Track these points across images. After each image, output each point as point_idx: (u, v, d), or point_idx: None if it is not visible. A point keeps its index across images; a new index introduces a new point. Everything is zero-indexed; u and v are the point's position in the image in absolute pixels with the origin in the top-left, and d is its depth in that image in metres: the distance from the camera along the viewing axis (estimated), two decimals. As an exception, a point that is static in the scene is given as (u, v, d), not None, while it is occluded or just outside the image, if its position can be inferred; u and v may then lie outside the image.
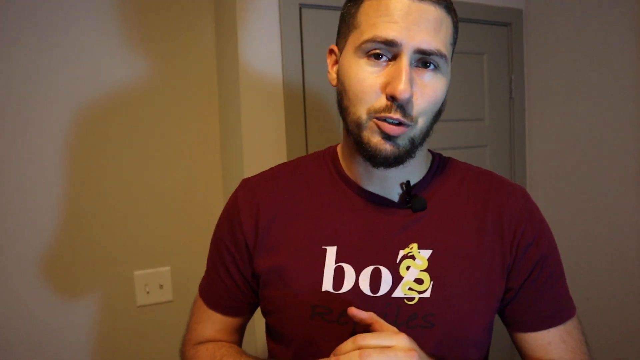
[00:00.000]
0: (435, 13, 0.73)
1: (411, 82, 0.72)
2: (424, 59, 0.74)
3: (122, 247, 1.64)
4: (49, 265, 1.55)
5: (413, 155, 0.78)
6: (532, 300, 0.84)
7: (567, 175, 1.97)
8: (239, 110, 1.56)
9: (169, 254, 1.69)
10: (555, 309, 0.85)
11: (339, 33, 0.83)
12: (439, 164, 0.90)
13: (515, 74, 2.09)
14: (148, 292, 1.67)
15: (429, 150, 0.91)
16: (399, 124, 0.73)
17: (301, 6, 1.60)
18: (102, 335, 1.62)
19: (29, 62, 1.50)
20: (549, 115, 2.04)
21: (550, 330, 0.84)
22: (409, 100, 0.73)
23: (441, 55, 0.74)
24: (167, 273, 1.69)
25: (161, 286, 1.67)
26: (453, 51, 0.82)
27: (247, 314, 0.96)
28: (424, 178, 0.87)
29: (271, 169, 0.96)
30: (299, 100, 1.60)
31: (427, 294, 0.79)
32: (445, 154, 2.13)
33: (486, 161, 2.06)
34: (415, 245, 0.81)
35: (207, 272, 0.96)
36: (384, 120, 0.73)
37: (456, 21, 0.79)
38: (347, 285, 0.80)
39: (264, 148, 1.56)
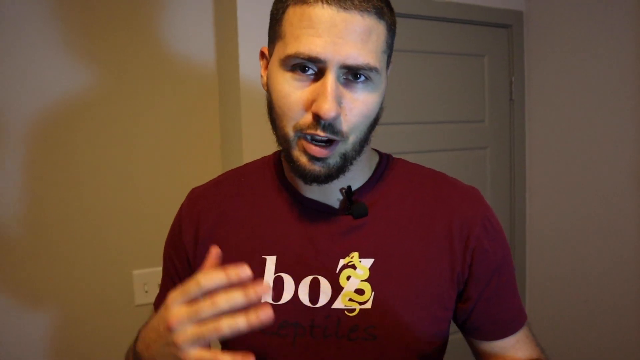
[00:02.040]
0: (363, 23, 0.67)
1: (338, 99, 0.67)
2: (351, 74, 0.69)
3: (121, 246, 1.64)
4: (47, 266, 1.55)
5: (347, 169, 0.74)
6: (492, 309, 0.81)
7: (567, 177, 1.97)
8: (239, 113, 1.56)
9: (167, 254, 1.68)
10: (512, 316, 0.83)
11: (269, 34, 0.77)
12: (385, 167, 0.85)
13: (515, 76, 2.09)
14: (147, 292, 1.66)
15: (377, 151, 0.87)
16: (328, 141, 0.70)
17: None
18: (101, 335, 1.62)
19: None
20: (549, 117, 2.04)
21: (508, 338, 0.82)
22: (337, 117, 0.68)
23: (370, 68, 0.68)
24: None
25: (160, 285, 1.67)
26: (390, 55, 0.76)
27: None
28: (366, 182, 0.82)
29: (218, 176, 0.92)
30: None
31: (368, 305, 0.75)
32: (446, 155, 2.14)
33: (486, 163, 2.06)
34: (356, 254, 0.78)
35: (160, 286, 0.94)
36: (311, 139, 0.69)
37: (391, 22, 0.73)
38: (287, 296, 0.77)
39: (264, 149, 1.55)
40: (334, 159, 0.71)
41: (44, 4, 1.50)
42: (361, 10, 0.67)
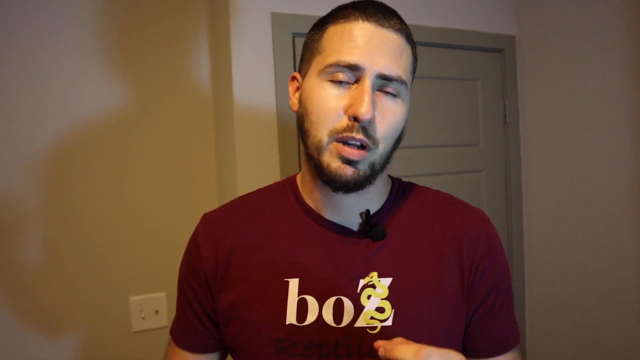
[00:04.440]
0: (397, 41, 0.75)
1: (373, 104, 0.73)
2: (385, 86, 0.75)
3: (118, 272, 1.63)
4: (44, 291, 1.54)
5: (373, 181, 0.78)
6: (486, 326, 0.84)
7: (563, 198, 1.98)
8: (233, 139, 1.57)
9: (164, 280, 1.67)
10: (506, 335, 0.85)
11: (301, 60, 0.84)
12: (398, 190, 0.90)
13: (509, 99, 2.11)
14: (143, 318, 1.65)
15: (388, 175, 0.91)
16: (361, 146, 0.74)
17: (294, 35, 1.63)
18: (97, 363, 1.60)
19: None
20: (543, 139, 2.06)
21: (500, 356, 0.84)
22: (371, 122, 0.73)
23: (402, 81, 0.75)
24: (163, 298, 1.68)
25: (157, 312, 1.66)
26: (412, 80, 0.82)
27: (219, 350, 0.93)
28: (383, 205, 0.86)
29: (231, 201, 0.94)
30: (293, 128, 1.61)
31: (389, 322, 0.78)
32: (441, 179, 2.15)
33: (482, 186, 2.07)
34: (375, 274, 0.80)
35: (176, 311, 0.95)
36: (346, 142, 0.74)
37: (415, 53, 0.81)
38: (311, 317, 0.79)
39: (259, 176, 1.56)
40: (363, 165, 0.75)
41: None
42: (396, 30, 0.76)
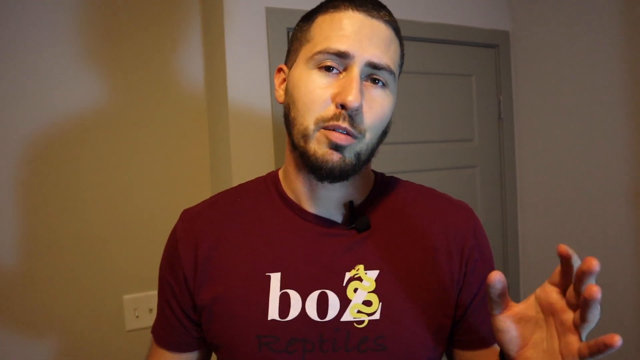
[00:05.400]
0: (387, 32, 0.76)
1: (362, 93, 0.72)
2: (373, 75, 0.75)
3: (111, 271, 1.62)
4: (36, 290, 1.53)
5: (358, 171, 0.77)
6: (480, 318, 0.83)
7: (558, 194, 1.98)
8: (228, 137, 1.56)
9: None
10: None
11: (288, 52, 0.83)
12: (382, 183, 0.89)
13: (503, 95, 2.11)
14: (137, 317, 1.64)
15: (371, 170, 0.90)
16: (347, 134, 0.73)
17: (289, 30, 1.62)
18: (91, 362, 1.59)
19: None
20: (538, 134, 2.06)
21: (492, 347, 0.84)
22: (359, 111, 0.72)
23: (390, 71, 0.75)
24: (157, 297, 1.66)
25: (151, 310, 1.65)
26: (399, 74, 0.82)
27: (199, 349, 0.91)
28: (367, 198, 0.85)
29: (212, 197, 0.93)
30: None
31: (376, 316, 0.77)
32: (436, 174, 2.15)
33: (476, 182, 2.07)
34: (361, 267, 0.79)
35: (157, 309, 0.93)
36: (333, 129, 0.72)
37: (403, 49, 0.81)
38: (294, 312, 0.77)
39: (254, 173, 1.54)
40: (349, 153, 0.74)
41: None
42: (385, 21, 0.76)
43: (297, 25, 0.82)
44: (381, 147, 0.81)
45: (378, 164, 0.81)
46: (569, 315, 0.58)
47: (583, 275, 0.54)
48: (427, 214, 0.85)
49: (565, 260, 0.57)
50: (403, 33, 0.81)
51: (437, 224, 0.84)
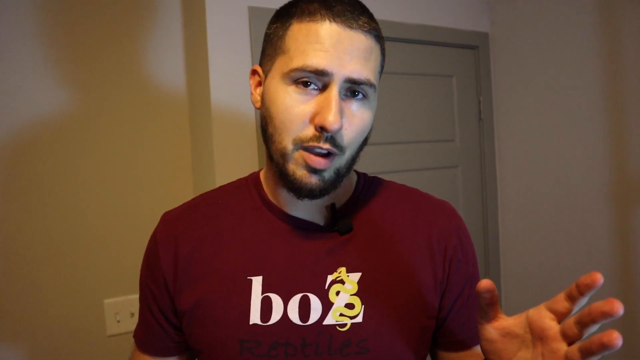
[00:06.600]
0: (366, 42, 0.72)
1: (341, 112, 0.70)
2: (352, 88, 0.72)
3: (91, 275, 1.59)
4: (12, 295, 1.50)
5: (338, 185, 0.76)
6: (463, 318, 0.83)
7: (537, 193, 2.01)
8: (211, 139, 1.55)
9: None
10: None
11: (263, 53, 0.80)
12: (364, 184, 0.88)
13: (483, 95, 2.13)
14: (119, 321, 1.62)
15: (354, 170, 0.89)
16: (327, 154, 0.71)
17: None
18: (71, 367, 1.57)
19: None
20: (518, 134, 2.09)
21: (474, 348, 0.84)
22: (339, 131, 0.71)
23: (370, 84, 0.73)
24: (138, 301, 1.65)
25: (132, 314, 1.63)
26: (380, 76, 0.80)
27: (179, 354, 0.90)
28: (349, 200, 0.85)
29: (192, 199, 0.92)
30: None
31: (359, 319, 0.76)
32: (417, 175, 2.16)
33: (458, 181, 2.09)
34: (343, 269, 0.79)
35: (139, 313, 0.92)
36: (312, 150, 0.71)
37: (384, 48, 0.79)
38: (276, 316, 0.76)
39: (237, 176, 1.54)
40: (329, 173, 0.73)
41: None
42: (364, 30, 0.72)
43: (272, 24, 0.78)
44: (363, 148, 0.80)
45: (360, 164, 0.81)
46: (561, 346, 0.54)
47: (602, 315, 0.51)
48: (409, 214, 0.85)
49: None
50: (384, 34, 0.80)
51: (420, 224, 0.84)
